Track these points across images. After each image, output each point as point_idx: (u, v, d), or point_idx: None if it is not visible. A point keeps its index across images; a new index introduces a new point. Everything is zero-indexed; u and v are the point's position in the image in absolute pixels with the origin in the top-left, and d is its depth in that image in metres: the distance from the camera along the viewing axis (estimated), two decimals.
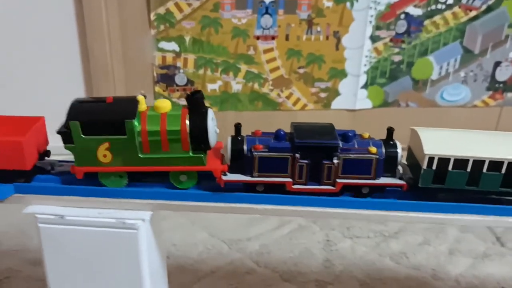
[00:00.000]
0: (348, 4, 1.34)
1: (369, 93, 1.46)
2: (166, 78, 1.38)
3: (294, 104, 1.46)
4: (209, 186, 0.73)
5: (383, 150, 0.72)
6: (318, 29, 1.36)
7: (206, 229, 1.18)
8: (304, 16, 1.34)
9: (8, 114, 0.82)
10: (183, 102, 1.40)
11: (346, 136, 0.72)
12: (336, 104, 1.47)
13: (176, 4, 1.30)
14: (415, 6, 1.36)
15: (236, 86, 1.41)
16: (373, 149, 0.71)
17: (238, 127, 0.72)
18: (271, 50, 1.38)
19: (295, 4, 1.33)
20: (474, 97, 1.49)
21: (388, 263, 1.10)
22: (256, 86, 1.42)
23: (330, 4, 1.33)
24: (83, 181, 0.72)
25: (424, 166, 0.70)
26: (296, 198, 0.72)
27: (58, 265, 0.73)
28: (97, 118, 0.69)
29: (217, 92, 1.41)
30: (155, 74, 1.38)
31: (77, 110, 0.70)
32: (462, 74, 1.46)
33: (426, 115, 1.50)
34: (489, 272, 1.07)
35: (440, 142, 0.71)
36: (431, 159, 0.70)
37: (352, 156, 0.71)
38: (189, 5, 1.30)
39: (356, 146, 0.72)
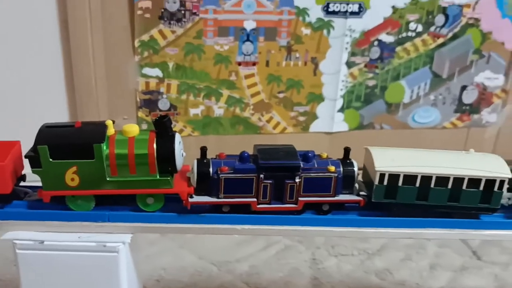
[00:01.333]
0: (325, 31, 1.40)
1: (345, 116, 1.52)
2: (149, 103, 1.40)
3: (274, 127, 1.50)
4: (176, 208, 0.75)
5: (341, 168, 0.77)
6: (297, 55, 1.42)
7: (194, 252, 1.19)
8: (283, 43, 1.40)
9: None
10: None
11: (306, 157, 0.77)
12: (314, 127, 1.52)
13: (160, 31, 1.33)
14: (387, 33, 1.43)
15: (218, 110, 1.45)
16: (332, 168, 0.76)
17: (204, 150, 0.76)
18: (252, 75, 1.42)
19: (275, 32, 1.38)
20: (444, 119, 1.57)
21: (374, 279, 1.13)
22: (237, 110, 1.45)
23: (308, 31, 1.39)
24: (59, 206, 0.73)
25: (376, 182, 0.76)
26: (260, 217, 0.76)
27: None
28: (65, 142, 0.70)
29: (199, 116, 1.44)
30: (138, 99, 1.39)
31: (46, 134, 0.72)
32: (432, 97, 1.54)
33: (399, 137, 1.57)
34: (469, 285, 1.12)
35: (391, 160, 0.77)
36: (382, 175, 0.76)
37: (312, 175, 0.76)
38: (173, 32, 1.33)
39: (316, 165, 0.77)
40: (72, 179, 0.71)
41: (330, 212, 0.78)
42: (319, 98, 1.48)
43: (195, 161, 0.75)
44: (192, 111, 1.44)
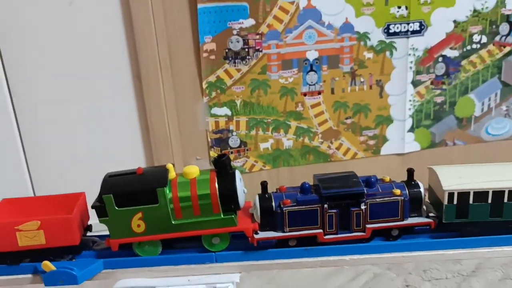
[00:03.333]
0: (387, 53, 1.39)
1: (416, 135, 1.49)
2: (220, 142, 1.43)
3: (345, 154, 1.49)
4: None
5: (407, 191, 0.75)
6: (361, 79, 1.41)
7: (274, 281, 1.18)
8: (347, 69, 1.40)
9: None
10: (238, 163, 1.45)
11: (369, 182, 0.75)
12: (385, 149, 1.50)
13: (226, 71, 1.36)
14: (451, 48, 1.41)
15: (287, 142, 1.45)
16: (397, 191, 0.74)
17: (264, 184, 0.75)
18: (318, 104, 1.43)
19: (337, 59, 1.39)
20: None
21: None
22: (306, 140, 1.45)
23: (370, 55, 1.39)
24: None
25: (445, 202, 0.73)
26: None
27: None
28: (129, 190, 0.71)
29: (270, 150, 1.45)
30: (209, 139, 1.42)
31: (110, 183, 0.73)
32: (503, 107, 1.49)
33: (473, 152, 1.52)
34: None
35: (458, 177, 0.74)
36: (451, 195, 0.73)
37: (378, 200, 0.73)
38: (238, 70, 1.36)
39: (380, 190, 0.75)
40: (139, 225, 0.72)
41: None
42: (388, 120, 1.47)
43: (257, 197, 0.75)
44: (262, 146, 1.45)
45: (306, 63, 1.38)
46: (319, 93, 1.42)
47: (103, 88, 1.32)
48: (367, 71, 1.41)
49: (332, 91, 1.42)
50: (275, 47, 1.36)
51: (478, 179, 0.73)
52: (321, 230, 0.73)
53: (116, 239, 0.73)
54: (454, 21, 1.39)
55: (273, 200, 0.74)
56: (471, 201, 0.73)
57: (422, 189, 0.76)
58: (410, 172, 0.76)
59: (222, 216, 0.72)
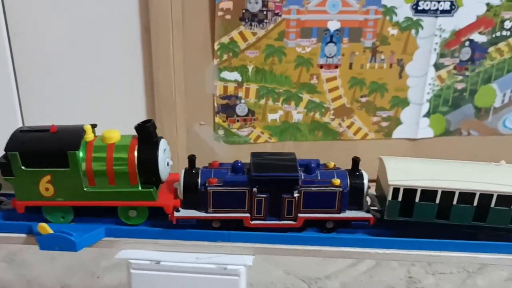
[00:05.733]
0: (413, 31, 1.31)
1: (431, 121, 1.43)
2: (227, 108, 1.35)
3: (355, 133, 1.42)
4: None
5: (348, 181, 0.68)
6: (382, 57, 1.33)
7: (280, 266, 1.12)
8: (368, 44, 1.32)
9: None
10: (243, 133, 1.38)
11: (308, 167, 0.68)
12: (397, 133, 1.43)
13: (241, 33, 1.27)
14: (480, 33, 1.33)
15: (297, 115, 1.38)
16: (337, 181, 0.67)
17: (192, 158, 0.68)
18: (334, 78, 1.35)
19: (360, 32, 1.30)
20: None
21: None
22: (317, 115, 1.38)
23: (395, 31, 1.31)
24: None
25: (390, 197, 0.66)
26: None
27: None
28: (37, 149, 0.64)
29: (278, 122, 1.38)
30: (215, 104, 1.34)
31: (18, 140, 0.66)
32: None
33: (487, 144, 1.46)
34: None
35: (407, 172, 0.67)
36: (396, 190, 0.66)
37: (313, 189, 0.67)
38: (254, 34, 1.27)
39: (319, 177, 0.68)
40: (47, 189, 0.66)
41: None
42: (404, 103, 1.39)
43: (182, 171, 0.68)
44: (270, 117, 1.37)
45: (326, 33, 1.30)
46: (336, 66, 1.34)
47: (109, 36, 1.23)
48: (389, 49, 1.33)
49: (350, 66, 1.34)
50: (296, 12, 1.27)
51: (430, 176, 0.66)
52: (248, 215, 0.67)
53: (22, 201, 0.67)
54: (487, 4, 1.31)
55: (199, 177, 0.67)
56: (417, 199, 0.66)
57: (365, 181, 0.69)
58: (356, 161, 0.69)
59: (140, 188, 0.66)
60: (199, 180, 0.66)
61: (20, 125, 1.25)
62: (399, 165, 0.69)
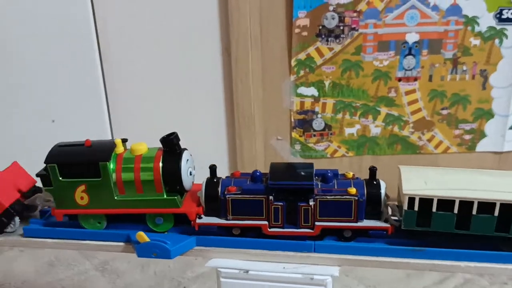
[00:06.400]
0: (496, 41, 1.27)
1: None
2: (303, 123, 1.36)
3: (436, 147, 1.38)
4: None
5: (365, 190, 0.68)
6: (464, 68, 1.30)
7: (361, 281, 1.11)
8: (449, 55, 1.29)
9: None
10: (320, 147, 1.38)
11: (325, 177, 0.69)
12: (481, 146, 1.38)
13: (317, 49, 1.29)
14: None
15: (375, 129, 1.37)
16: (353, 190, 0.67)
17: (213, 168, 0.71)
18: (413, 91, 1.33)
19: (440, 44, 1.28)
20: None
21: None
22: (396, 129, 1.36)
23: (477, 42, 1.27)
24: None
25: (405, 207, 0.65)
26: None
27: None
28: (73, 161, 0.70)
29: (355, 136, 1.37)
30: (292, 120, 1.36)
31: (56, 153, 0.71)
32: None
33: None
34: None
35: (423, 182, 0.66)
36: (411, 200, 0.64)
37: (329, 197, 0.68)
38: (330, 49, 1.29)
39: (335, 187, 0.69)
40: (82, 198, 0.71)
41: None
42: (488, 115, 1.34)
43: (204, 180, 0.71)
44: (348, 131, 1.37)
45: (404, 46, 1.28)
46: (416, 79, 1.32)
47: (191, 58, 1.29)
48: (471, 59, 1.29)
49: (430, 78, 1.31)
50: (373, 26, 1.27)
51: (448, 185, 0.65)
52: (266, 222, 0.69)
53: (60, 209, 0.72)
54: None
55: (220, 186, 0.70)
56: (434, 209, 0.64)
57: (382, 190, 0.68)
58: (372, 170, 0.70)
59: (165, 196, 0.70)
60: (220, 189, 0.70)
61: (110, 137, 1.35)
62: (416, 174, 0.68)
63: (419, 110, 1.35)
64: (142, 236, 0.67)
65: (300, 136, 1.38)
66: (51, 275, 1.17)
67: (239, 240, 0.70)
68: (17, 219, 0.75)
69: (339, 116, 1.36)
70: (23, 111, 1.34)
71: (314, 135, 1.38)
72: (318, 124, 1.37)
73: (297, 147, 1.39)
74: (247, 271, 0.67)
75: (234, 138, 1.33)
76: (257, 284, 0.67)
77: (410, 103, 1.34)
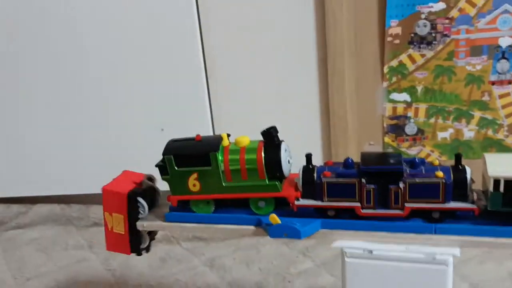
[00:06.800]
0: None
1: None
2: (396, 128, 1.41)
3: None
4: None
5: (451, 174, 0.71)
6: None
7: (465, 279, 1.13)
8: None
9: None
10: (412, 152, 1.42)
11: (413, 163, 0.74)
12: None
13: (409, 56, 1.34)
14: None
15: (468, 133, 1.39)
16: (440, 174, 0.71)
17: (308, 156, 0.79)
18: (507, 95, 1.34)
19: None
20: None
21: None
22: (490, 132, 1.37)
23: None
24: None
25: (491, 188, 0.68)
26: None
27: None
28: (187, 152, 0.80)
29: (448, 140, 1.40)
30: (385, 125, 1.41)
31: (171, 147, 0.81)
32: None
33: None
34: None
35: (507, 164, 0.69)
36: (496, 182, 0.68)
37: (418, 180, 0.72)
38: (422, 55, 1.33)
39: (423, 172, 0.72)
40: (194, 185, 0.80)
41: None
42: None
43: (301, 167, 0.78)
44: (440, 135, 1.40)
45: (497, 50, 1.31)
46: (510, 82, 1.33)
47: (289, 68, 1.38)
48: None
49: None
50: (465, 32, 1.30)
51: None
52: (359, 204, 0.75)
53: (175, 195, 0.82)
54: None
55: (315, 172, 0.77)
56: None
57: (468, 175, 0.72)
58: (458, 156, 0.73)
59: (267, 182, 0.78)
60: (315, 174, 0.77)
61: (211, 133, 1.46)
62: (501, 159, 0.72)
63: None
64: (274, 218, 0.75)
65: (393, 141, 1.42)
66: (164, 270, 1.28)
67: (359, 223, 0.75)
68: (143, 203, 0.84)
69: (432, 120, 1.39)
70: (136, 121, 1.48)
71: (407, 140, 1.42)
72: (410, 129, 1.41)
73: (390, 151, 1.43)
74: (371, 251, 0.73)
75: (329, 145, 1.40)
76: (380, 263, 0.73)
77: (504, 106, 1.35)
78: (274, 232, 0.75)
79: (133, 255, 1.35)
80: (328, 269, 1.20)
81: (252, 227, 0.80)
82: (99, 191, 1.64)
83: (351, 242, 0.75)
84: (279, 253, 1.30)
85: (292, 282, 1.16)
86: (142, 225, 0.83)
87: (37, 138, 1.55)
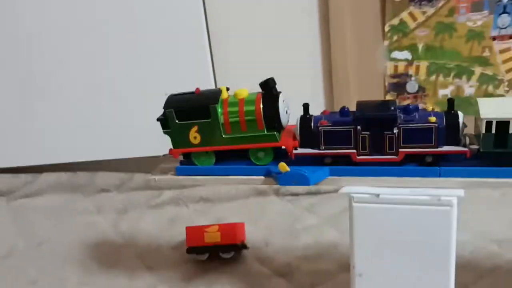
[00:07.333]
0: None
1: None
2: (397, 86, 1.42)
3: None
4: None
5: (444, 119, 0.74)
6: None
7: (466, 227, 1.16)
8: None
9: None
10: None
11: (407, 109, 0.75)
12: None
13: (410, 14, 1.34)
14: None
15: (469, 89, 1.40)
16: (433, 119, 0.74)
17: (306, 106, 0.81)
18: (508, 50, 1.35)
19: None
20: None
21: None
22: (490, 88, 1.39)
23: None
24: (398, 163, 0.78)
25: (483, 130, 0.71)
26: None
27: (366, 243, 0.77)
28: (187, 105, 0.82)
29: (449, 97, 1.41)
30: (386, 84, 1.42)
31: (172, 101, 0.83)
32: None
33: None
34: None
35: (499, 107, 0.72)
36: (488, 123, 0.71)
37: (411, 125, 0.74)
38: (423, 13, 1.33)
39: (417, 117, 0.75)
40: (195, 137, 0.82)
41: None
42: None
43: (298, 117, 0.80)
44: (441, 92, 1.41)
45: (498, 4, 1.31)
46: (510, 37, 1.33)
47: (291, 29, 1.39)
48: None
49: None
50: None
51: None
52: (354, 151, 0.77)
53: (177, 148, 0.84)
54: None
55: (312, 121, 0.79)
56: (511, 131, 0.70)
57: (460, 119, 0.75)
58: (451, 101, 0.76)
59: (266, 132, 0.80)
60: (312, 123, 0.79)
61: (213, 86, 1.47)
62: (493, 103, 0.76)
63: None
64: (283, 166, 0.77)
65: (394, 99, 1.44)
66: (173, 231, 1.31)
67: (365, 169, 0.78)
68: None
69: (433, 78, 1.40)
70: (139, 86, 1.49)
71: (408, 98, 1.43)
72: (411, 86, 1.42)
73: None
74: (378, 195, 0.75)
75: (332, 103, 1.41)
76: (387, 207, 0.74)
77: (505, 61, 1.36)
78: (283, 179, 0.78)
79: (141, 217, 1.38)
80: (332, 224, 1.23)
81: (261, 177, 0.82)
82: (105, 157, 1.67)
83: (358, 188, 0.77)
84: (284, 211, 1.32)
85: (298, 238, 1.19)
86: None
87: (41, 108, 1.56)
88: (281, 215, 1.30)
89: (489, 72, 1.37)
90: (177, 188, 1.49)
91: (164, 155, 0.88)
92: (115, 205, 1.46)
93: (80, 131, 1.57)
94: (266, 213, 1.31)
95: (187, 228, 1.10)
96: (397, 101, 1.41)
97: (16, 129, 1.59)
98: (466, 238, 1.11)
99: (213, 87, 1.43)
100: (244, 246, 1.10)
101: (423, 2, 1.32)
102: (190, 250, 1.10)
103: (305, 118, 0.81)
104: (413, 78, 1.40)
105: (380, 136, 0.76)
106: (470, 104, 1.41)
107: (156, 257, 1.17)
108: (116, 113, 1.52)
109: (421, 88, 1.41)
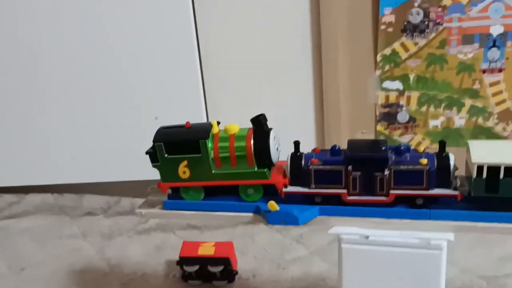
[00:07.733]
0: None
1: None
2: (388, 116, 1.42)
3: None
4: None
5: (435, 161, 0.74)
6: None
7: (456, 265, 1.15)
8: None
9: None
10: (404, 140, 1.44)
11: (398, 150, 0.75)
12: None
13: (402, 44, 1.35)
14: None
15: (459, 121, 1.40)
16: (424, 161, 0.74)
17: (297, 144, 0.80)
18: (497, 83, 1.36)
19: None
20: None
21: None
22: (480, 120, 1.39)
23: None
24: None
25: (474, 174, 0.70)
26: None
27: (355, 283, 0.76)
28: (177, 139, 0.80)
29: (439, 128, 1.41)
30: (377, 113, 1.42)
31: (161, 134, 0.82)
32: None
33: None
34: None
35: (490, 152, 0.72)
36: (480, 168, 0.70)
37: (402, 167, 0.74)
38: (415, 44, 1.34)
39: (408, 158, 0.75)
40: (184, 172, 0.81)
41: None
42: None
43: (289, 154, 0.80)
44: (432, 123, 1.42)
45: (488, 39, 1.32)
46: (500, 70, 1.35)
47: (283, 54, 1.39)
48: None
49: None
50: (457, 20, 1.31)
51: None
52: (345, 191, 0.76)
53: (165, 182, 0.83)
54: None
55: (303, 159, 0.79)
56: (501, 176, 0.70)
57: (451, 162, 0.75)
58: (442, 143, 0.76)
59: (256, 169, 0.79)
60: (303, 161, 0.79)
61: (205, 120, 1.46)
62: (484, 146, 0.76)
63: (504, 101, 1.37)
64: (273, 205, 0.76)
65: (385, 129, 1.44)
66: (159, 258, 1.29)
67: (356, 209, 0.77)
68: None
69: (424, 108, 1.40)
70: (129, 110, 1.48)
71: (399, 128, 1.43)
72: (402, 117, 1.42)
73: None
74: (367, 237, 0.74)
75: (323, 133, 1.41)
76: (376, 249, 0.74)
77: (495, 94, 1.37)
78: (272, 218, 0.77)
79: (127, 243, 1.36)
80: (321, 255, 1.21)
81: (250, 214, 0.81)
82: (92, 180, 1.64)
83: (347, 228, 0.76)
84: (273, 241, 1.31)
85: (287, 269, 1.18)
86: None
87: (29, 128, 1.54)
88: (270, 245, 1.28)
89: (479, 104, 1.38)
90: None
91: (151, 188, 0.86)
92: (101, 230, 1.44)
93: (68, 153, 1.54)
94: (254, 243, 1.30)
95: (184, 242, 1.12)
96: (388, 130, 1.43)
97: (1, 149, 1.57)
98: (454, 274, 1.10)
99: (204, 118, 1.43)
100: (235, 272, 1.11)
101: (415, 33, 1.33)
102: (181, 260, 1.09)
103: (296, 156, 0.80)
104: (404, 109, 1.41)
105: (371, 176, 0.75)
106: (461, 136, 1.42)
107: (142, 286, 1.15)
108: (106, 136, 1.50)
109: (411, 119, 1.42)
